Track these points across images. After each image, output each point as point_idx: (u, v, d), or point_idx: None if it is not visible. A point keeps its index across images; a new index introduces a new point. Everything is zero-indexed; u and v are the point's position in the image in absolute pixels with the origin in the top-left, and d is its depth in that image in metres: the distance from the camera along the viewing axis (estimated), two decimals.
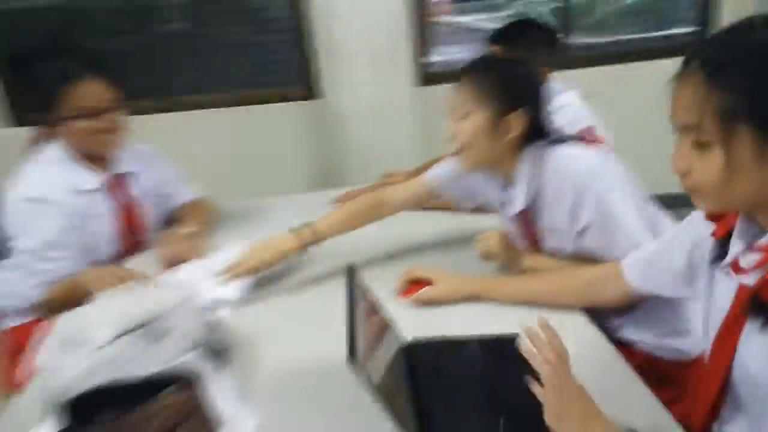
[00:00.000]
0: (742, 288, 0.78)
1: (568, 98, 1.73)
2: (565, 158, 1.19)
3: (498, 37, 1.76)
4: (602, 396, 0.76)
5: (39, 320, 1.41)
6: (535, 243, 1.32)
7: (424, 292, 1.21)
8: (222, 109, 3.22)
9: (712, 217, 0.84)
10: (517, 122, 1.19)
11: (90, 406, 0.80)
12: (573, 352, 0.78)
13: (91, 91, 1.43)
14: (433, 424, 0.83)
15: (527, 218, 1.29)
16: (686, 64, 0.72)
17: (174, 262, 1.48)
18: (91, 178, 1.52)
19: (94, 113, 1.44)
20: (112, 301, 0.99)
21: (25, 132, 1.95)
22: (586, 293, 1.15)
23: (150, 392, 0.82)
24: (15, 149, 1.99)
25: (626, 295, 1.10)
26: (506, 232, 1.34)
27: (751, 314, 0.76)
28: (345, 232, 1.40)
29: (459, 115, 1.22)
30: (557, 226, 1.24)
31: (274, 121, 3.28)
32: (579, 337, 1.05)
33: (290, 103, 3.25)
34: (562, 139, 1.23)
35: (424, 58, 3.30)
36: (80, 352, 0.85)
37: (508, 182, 1.28)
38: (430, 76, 3.29)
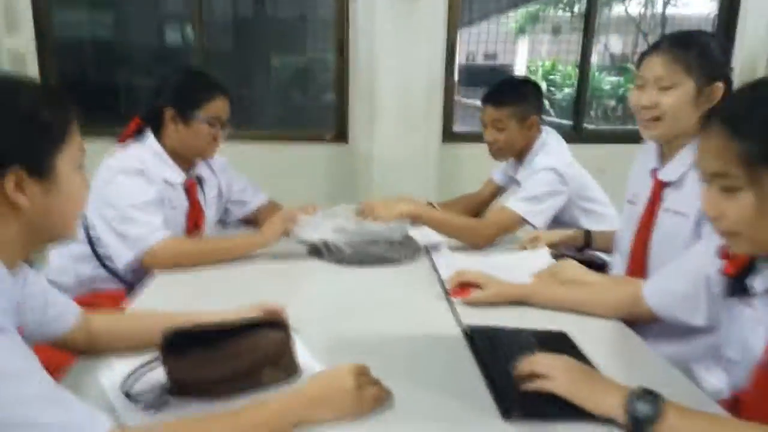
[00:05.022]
0: None
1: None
2: None
3: (489, 96, 1.91)
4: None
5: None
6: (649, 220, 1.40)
7: (475, 295, 1.31)
8: (261, 143, 3.39)
9: (723, 254, 0.95)
10: (718, 92, 1.26)
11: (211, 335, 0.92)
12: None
13: (224, 106, 1.65)
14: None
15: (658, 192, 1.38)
16: (708, 119, 0.86)
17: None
18: (177, 175, 1.67)
19: (220, 123, 1.65)
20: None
21: None
22: (615, 308, 1.26)
23: (252, 329, 0.94)
24: None
25: (648, 314, 1.21)
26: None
27: None
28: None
29: (659, 86, 1.29)
30: (681, 210, 1.33)
31: (306, 159, 3.47)
32: (617, 341, 1.19)
33: (323, 144, 3.47)
34: None
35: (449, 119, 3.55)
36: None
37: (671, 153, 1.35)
38: (454, 135, 3.54)
